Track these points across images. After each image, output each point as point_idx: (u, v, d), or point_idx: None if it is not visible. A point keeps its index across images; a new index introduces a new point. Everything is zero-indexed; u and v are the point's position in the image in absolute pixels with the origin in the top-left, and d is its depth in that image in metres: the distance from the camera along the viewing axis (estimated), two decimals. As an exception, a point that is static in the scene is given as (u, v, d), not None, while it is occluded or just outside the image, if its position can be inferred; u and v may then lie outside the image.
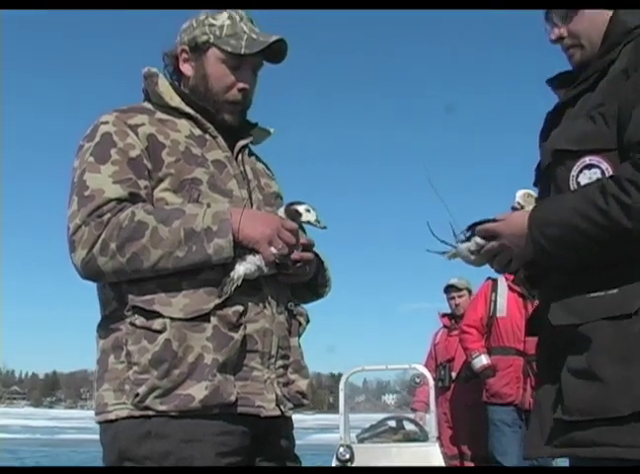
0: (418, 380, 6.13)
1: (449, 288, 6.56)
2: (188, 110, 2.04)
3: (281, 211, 1.98)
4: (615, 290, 1.74)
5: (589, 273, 1.79)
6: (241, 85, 2.04)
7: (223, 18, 2.06)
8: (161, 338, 1.81)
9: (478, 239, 1.97)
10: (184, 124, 2.03)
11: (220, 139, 2.04)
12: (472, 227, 2.01)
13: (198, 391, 1.79)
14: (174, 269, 1.83)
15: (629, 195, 1.69)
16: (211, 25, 2.05)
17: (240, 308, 1.87)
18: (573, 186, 1.85)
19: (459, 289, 6.49)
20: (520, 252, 1.89)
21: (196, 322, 1.82)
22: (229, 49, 2.02)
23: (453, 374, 6.24)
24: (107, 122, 1.96)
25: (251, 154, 2.17)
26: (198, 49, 2.06)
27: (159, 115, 2.03)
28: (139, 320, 1.84)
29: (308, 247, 1.97)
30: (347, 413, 5.90)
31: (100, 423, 1.89)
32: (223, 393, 1.80)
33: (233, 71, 2.04)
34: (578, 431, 1.75)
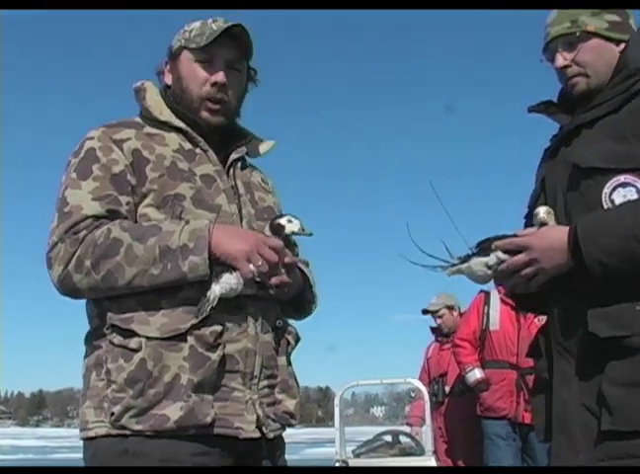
0: (413, 394, 6.15)
1: (426, 313, 6.58)
2: (178, 123, 2.03)
3: (267, 228, 1.95)
4: None
5: (628, 284, 1.83)
6: (213, 79, 2.03)
7: (196, 24, 2.08)
8: (136, 357, 1.80)
9: (499, 253, 1.97)
10: (173, 138, 2.02)
11: (211, 153, 2.03)
12: (484, 243, 2.01)
13: (173, 412, 1.78)
14: (149, 286, 1.82)
15: None
16: (184, 31, 2.09)
17: (218, 328, 1.85)
18: (606, 203, 1.91)
19: (435, 311, 6.50)
20: (553, 266, 1.91)
21: (172, 341, 1.81)
22: (194, 46, 2.04)
23: (447, 389, 6.22)
24: (92, 138, 1.98)
25: (245, 167, 2.15)
26: (173, 57, 2.10)
27: (148, 129, 2.03)
28: (117, 338, 1.84)
29: (291, 267, 1.93)
30: (342, 428, 5.92)
31: (82, 439, 1.90)
32: (198, 414, 1.79)
33: (204, 67, 2.04)
34: (627, 440, 1.78)
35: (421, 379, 6.52)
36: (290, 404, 1.99)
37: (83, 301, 1.96)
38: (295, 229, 1.92)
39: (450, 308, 6.45)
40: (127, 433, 1.79)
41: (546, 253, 1.90)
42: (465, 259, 2.03)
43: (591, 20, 2.06)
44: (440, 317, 6.46)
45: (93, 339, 1.92)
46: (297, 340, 2.10)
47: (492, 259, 1.98)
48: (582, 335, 1.87)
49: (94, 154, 1.94)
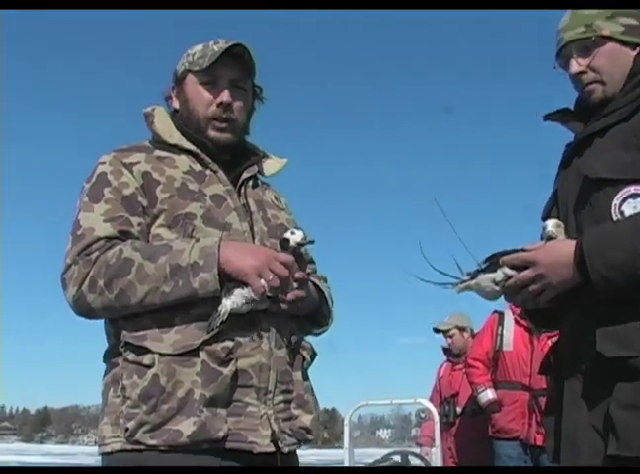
0: (423, 415, 6.11)
1: (437, 332, 6.55)
2: (187, 145, 2.08)
3: (277, 245, 1.97)
4: None
5: (636, 302, 1.78)
6: (218, 99, 2.07)
7: (198, 47, 2.13)
8: (150, 373, 1.83)
9: (507, 269, 1.92)
10: (183, 160, 2.06)
11: (221, 173, 2.06)
12: (492, 258, 1.97)
13: (186, 427, 1.79)
14: (161, 304, 1.85)
15: None
16: (187, 55, 2.13)
17: (230, 343, 1.86)
18: (616, 214, 1.85)
19: (446, 330, 6.47)
20: (560, 282, 1.85)
21: (185, 357, 1.83)
22: (197, 68, 2.08)
23: (458, 409, 6.19)
24: (104, 163, 2.02)
25: (257, 185, 2.17)
26: (178, 81, 2.14)
27: (158, 152, 2.07)
28: (131, 355, 1.87)
29: (302, 282, 1.94)
30: (352, 449, 5.86)
31: (100, 454, 1.92)
32: (211, 429, 1.80)
33: (209, 89, 2.08)
34: (632, 465, 1.73)
35: (432, 399, 6.49)
36: (307, 419, 2.00)
37: (91, 320, 1.98)
38: (299, 239, 1.93)
39: (462, 329, 6.43)
40: (142, 448, 1.81)
41: (553, 268, 1.85)
42: (474, 275, 1.99)
43: (606, 23, 1.99)
44: (451, 337, 6.44)
45: (110, 357, 1.96)
46: (313, 355, 2.11)
47: (499, 275, 1.94)
48: (590, 354, 1.82)
49: (105, 178, 1.99)
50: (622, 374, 1.75)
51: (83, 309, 1.91)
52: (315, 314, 2.10)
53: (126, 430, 1.82)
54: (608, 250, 1.77)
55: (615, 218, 1.84)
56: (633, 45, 2.00)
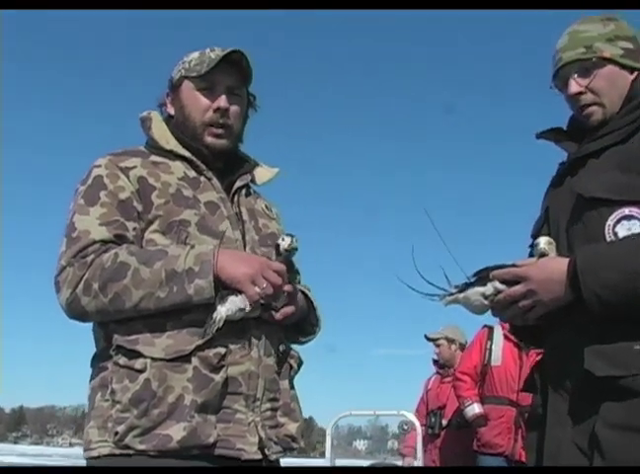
0: (406, 427, 6.10)
1: (427, 340, 6.55)
2: (183, 152, 2.08)
3: (269, 254, 1.98)
4: None
5: (628, 321, 1.77)
6: (215, 104, 2.07)
7: (194, 54, 2.14)
8: (141, 377, 1.82)
9: (497, 283, 1.91)
10: (178, 167, 2.06)
11: (215, 181, 2.07)
12: (482, 272, 1.96)
13: (176, 432, 1.79)
14: (155, 309, 1.85)
15: None
16: (183, 62, 2.14)
17: (222, 350, 1.87)
18: (609, 235, 1.85)
19: (435, 339, 6.48)
20: (551, 299, 1.85)
21: (177, 363, 1.84)
22: (194, 74, 2.09)
23: (444, 422, 6.19)
24: (100, 166, 2.02)
25: (249, 194, 2.19)
26: (174, 88, 2.15)
27: (153, 157, 2.07)
28: (122, 359, 1.86)
29: (291, 292, 1.96)
30: (334, 458, 5.85)
31: (86, 459, 1.90)
32: (201, 435, 1.80)
33: (206, 95, 2.09)
34: None
35: (418, 411, 6.51)
36: (292, 427, 2.01)
37: (79, 322, 1.97)
38: (286, 246, 1.93)
39: (450, 341, 6.44)
40: (131, 452, 1.80)
41: (544, 285, 1.84)
42: (463, 288, 1.98)
43: (606, 46, 2.02)
44: (438, 347, 6.44)
45: (99, 361, 1.95)
46: (300, 364, 2.13)
47: (489, 289, 1.93)
48: (577, 372, 1.82)
49: (101, 181, 1.99)
50: (610, 393, 1.75)
51: (77, 312, 1.90)
52: (303, 323, 2.12)
53: (116, 434, 1.81)
54: (602, 269, 1.77)
55: (609, 239, 1.85)
56: (630, 69, 2.03)
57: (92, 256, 1.88)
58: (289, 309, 1.95)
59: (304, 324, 2.13)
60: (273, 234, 2.13)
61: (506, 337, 5.51)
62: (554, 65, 2.09)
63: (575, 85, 2.02)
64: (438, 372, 6.63)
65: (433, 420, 6.26)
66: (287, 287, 1.92)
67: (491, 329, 5.65)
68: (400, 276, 2.02)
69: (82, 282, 1.87)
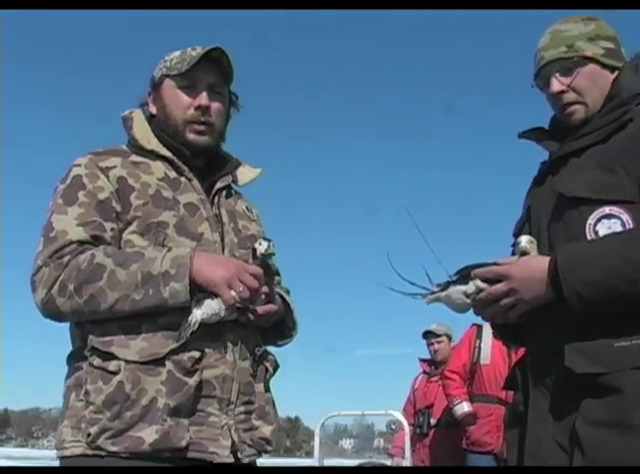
0: (394, 427, 6.09)
1: (428, 334, 6.52)
2: (164, 152, 2.07)
3: (248, 256, 1.98)
4: None
5: (607, 319, 1.78)
6: (196, 102, 2.07)
7: (175, 53, 2.13)
8: (115, 380, 1.82)
9: (479, 282, 1.92)
10: (158, 167, 2.06)
11: (195, 182, 2.07)
12: (464, 271, 1.97)
13: (148, 434, 1.79)
14: (131, 311, 1.85)
15: None
16: (164, 61, 2.14)
17: (196, 354, 1.87)
18: (590, 234, 1.87)
19: (438, 335, 6.46)
20: (532, 297, 1.86)
21: (151, 365, 1.83)
22: (175, 73, 2.08)
23: (432, 421, 6.20)
24: (79, 165, 2.01)
25: (230, 195, 2.18)
26: (156, 86, 2.14)
27: (134, 157, 2.06)
28: (97, 360, 1.86)
29: (268, 295, 1.96)
30: (322, 458, 5.83)
31: (59, 458, 1.90)
32: (173, 438, 1.80)
33: (187, 93, 2.08)
34: None
35: (405, 410, 6.51)
36: (267, 430, 2.01)
37: (55, 322, 1.96)
38: (262, 251, 1.94)
39: (449, 338, 6.45)
40: (103, 454, 1.80)
41: (526, 283, 1.86)
42: (444, 287, 1.98)
43: (587, 45, 2.04)
44: (440, 343, 6.41)
45: (74, 360, 1.95)
46: (276, 367, 2.12)
47: (471, 287, 1.94)
48: (558, 369, 1.84)
49: (80, 181, 1.98)
50: (590, 391, 1.77)
51: (52, 312, 1.90)
52: (280, 326, 2.12)
53: (88, 435, 1.81)
54: (583, 268, 1.79)
55: (589, 237, 1.87)
56: (611, 68, 2.05)
57: (68, 256, 1.88)
58: (268, 307, 1.95)
59: (282, 327, 2.12)
60: (252, 236, 2.13)
61: (495, 335, 5.48)
62: (536, 64, 2.10)
63: (557, 83, 2.04)
64: (424, 372, 6.62)
65: (421, 419, 6.26)
66: (264, 289, 1.93)
67: (480, 327, 5.66)
68: (381, 275, 2.05)
69: (57, 283, 1.86)
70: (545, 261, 1.85)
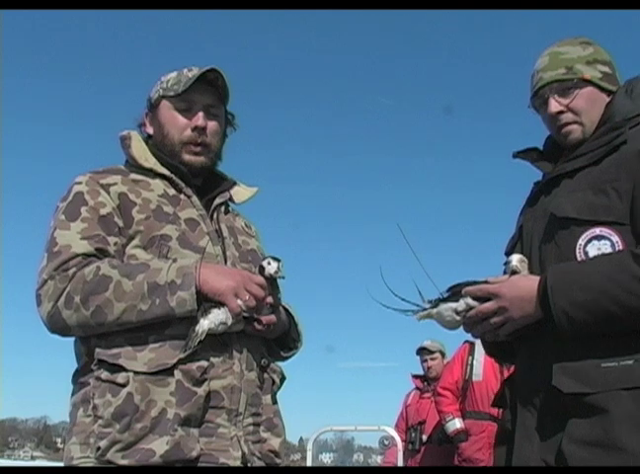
0: (387, 442, 6.07)
1: (422, 351, 6.52)
2: (162, 170, 2.10)
3: (256, 269, 1.99)
4: (630, 361, 1.77)
5: (595, 340, 1.81)
6: (193, 123, 2.10)
7: (172, 74, 2.17)
8: (124, 392, 1.81)
9: (469, 300, 1.95)
10: (158, 185, 2.08)
11: (195, 199, 2.10)
12: (455, 288, 1.99)
13: (159, 446, 1.78)
14: (138, 322, 1.85)
15: None
16: (161, 82, 2.17)
17: (205, 363, 1.87)
18: (580, 255, 1.89)
19: (432, 352, 6.47)
20: (521, 316, 1.89)
21: (159, 376, 1.83)
22: (172, 94, 2.12)
23: (424, 437, 6.20)
24: (80, 183, 2.04)
25: (228, 212, 2.21)
26: (153, 107, 2.18)
27: (133, 175, 2.09)
28: (104, 374, 1.85)
29: (273, 306, 1.97)
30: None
31: None
32: (184, 448, 1.80)
33: (184, 114, 2.12)
34: None
35: (398, 426, 6.50)
36: (275, 443, 2.00)
37: (60, 337, 1.95)
38: (272, 272, 1.95)
39: (443, 354, 6.46)
40: (113, 467, 1.79)
41: (515, 302, 1.88)
42: (436, 303, 2.01)
43: (586, 68, 2.07)
44: (434, 359, 6.41)
45: (80, 376, 1.94)
46: (283, 379, 2.13)
47: (461, 305, 1.96)
48: (546, 388, 1.84)
49: (82, 197, 2.00)
50: (577, 410, 1.79)
51: (58, 326, 1.89)
52: (285, 338, 2.13)
53: (98, 449, 1.80)
54: (571, 288, 1.81)
55: (579, 258, 1.89)
56: (607, 92, 2.09)
57: (73, 269, 1.88)
58: (272, 318, 1.96)
59: (286, 339, 2.13)
60: (253, 251, 2.17)
61: (486, 352, 5.49)
62: (533, 85, 2.13)
63: (555, 104, 2.07)
64: (417, 388, 6.62)
65: (413, 435, 6.26)
66: (270, 300, 1.94)
67: (472, 344, 5.69)
68: (373, 290, 2.04)
69: (64, 295, 1.86)
70: (535, 280, 1.88)
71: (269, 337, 2.04)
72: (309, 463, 5.79)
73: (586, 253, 1.87)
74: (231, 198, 2.22)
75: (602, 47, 2.15)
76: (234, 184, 2.25)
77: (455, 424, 5.57)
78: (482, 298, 1.93)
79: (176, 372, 1.83)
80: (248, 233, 2.23)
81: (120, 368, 1.83)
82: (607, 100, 2.07)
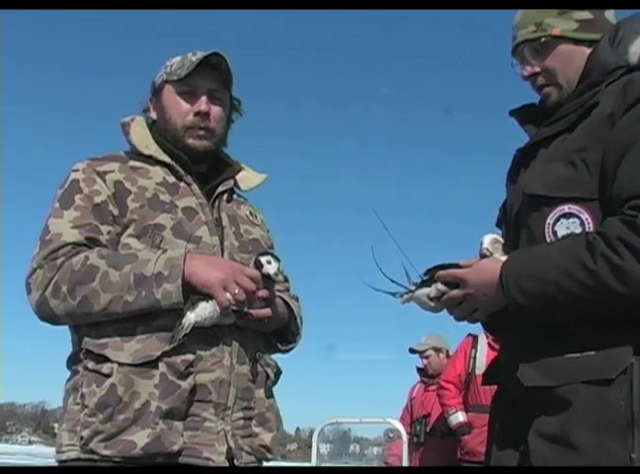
0: (392, 435, 6.09)
1: (413, 352, 6.54)
2: (163, 157, 2.09)
3: (252, 262, 1.97)
4: (592, 353, 1.69)
5: (562, 330, 1.74)
6: (196, 108, 2.09)
7: (176, 59, 2.15)
8: (107, 382, 1.83)
9: (440, 285, 1.91)
10: (157, 172, 2.07)
11: (195, 187, 2.08)
12: (431, 271, 1.95)
13: (140, 438, 1.79)
14: (124, 313, 1.85)
15: (621, 256, 1.62)
16: (165, 66, 2.16)
17: (190, 357, 1.86)
18: (549, 235, 1.79)
19: (422, 352, 6.47)
20: (488, 302, 1.83)
21: (144, 368, 1.83)
22: (175, 78, 2.10)
23: (429, 430, 6.18)
24: (77, 170, 2.04)
25: (231, 200, 2.18)
26: (157, 92, 2.17)
27: (132, 162, 2.08)
28: (91, 363, 1.87)
29: (267, 300, 1.94)
30: (319, 464, 5.83)
31: (57, 462, 1.91)
32: (165, 442, 1.80)
33: (186, 98, 2.10)
34: None
35: (402, 419, 6.51)
36: (267, 437, 2.00)
37: (51, 325, 1.97)
38: (271, 272, 1.92)
39: (438, 350, 6.46)
40: (96, 457, 1.81)
41: (480, 288, 1.83)
42: (418, 286, 1.97)
43: (557, 21, 1.90)
44: (427, 358, 6.45)
45: (72, 363, 1.97)
46: (278, 373, 2.12)
47: (433, 290, 1.93)
48: (514, 380, 1.79)
49: (77, 185, 2.00)
50: (541, 403, 1.73)
51: (46, 314, 1.92)
52: (283, 331, 2.12)
53: (81, 438, 1.82)
54: (523, 278, 1.74)
55: (549, 239, 1.79)
56: (588, 42, 1.90)
57: (62, 258, 1.89)
58: (263, 312, 1.93)
59: (284, 332, 2.12)
60: (255, 240, 2.15)
61: (490, 345, 5.54)
62: (512, 41, 2.00)
63: (528, 67, 1.94)
64: (422, 381, 6.63)
65: (418, 428, 6.27)
66: (262, 293, 1.92)
67: (475, 337, 5.71)
68: (365, 275, 2.02)
69: (51, 285, 1.88)
70: (498, 267, 1.79)
71: (265, 330, 2.03)
72: (314, 456, 5.81)
73: (554, 232, 1.78)
74: (238, 185, 2.21)
75: None
76: (240, 170, 2.23)
77: (458, 417, 5.59)
78: (452, 283, 1.88)
79: (160, 365, 1.83)
80: (252, 222, 2.20)
81: (106, 359, 1.84)
82: (588, 51, 1.89)
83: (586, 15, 1.90)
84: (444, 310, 1.96)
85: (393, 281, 2.00)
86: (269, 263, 1.92)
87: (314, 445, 5.78)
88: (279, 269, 1.94)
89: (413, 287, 1.98)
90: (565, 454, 1.66)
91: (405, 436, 5.91)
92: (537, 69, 1.92)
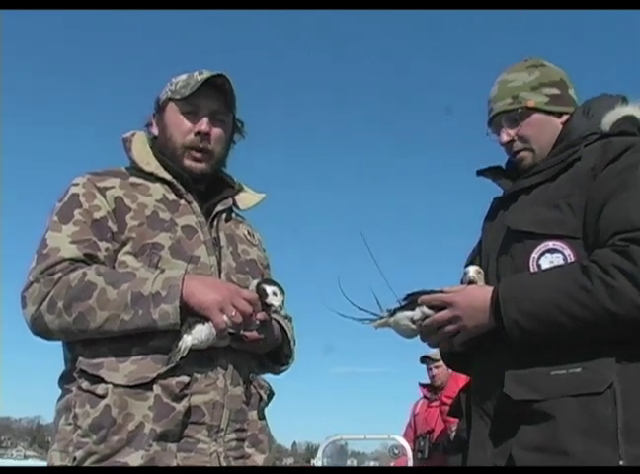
0: (397, 451, 6.07)
1: (425, 359, 6.53)
2: (163, 174, 2.09)
3: (253, 285, 1.97)
4: (578, 369, 1.82)
5: (545, 348, 1.86)
6: (196, 128, 2.09)
7: (182, 76, 2.16)
8: (102, 403, 1.82)
9: (425, 308, 2.01)
10: (158, 189, 2.08)
11: (195, 205, 2.09)
12: (413, 296, 2.05)
13: (134, 460, 1.78)
14: (119, 331, 1.85)
15: (616, 278, 1.77)
16: (170, 84, 2.17)
17: (185, 379, 1.87)
18: (533, 267, 1.96)
19: (435, 360, 6.47)
20: (475, 325, 1.96)
21: (138, 390, 1.83)
22: (179, 97, 2.11)
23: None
24: (77, 184, 2.04)
25: (230, 219, 2.20)
26: (160, 108, 2.18)
27: (133, 179, 2.09)
28: (85, 383, 1.86)
29: (264, 323, 1.96)
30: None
31: None
32: (159, 464, 1.80)
33: (189, 118, 2.11)
34: None
35: (406, 435, 6.48)
36: (259, 459, 2.00)
37: (44, 340, 1.96)
38: (275, 304, 1.93)
39: None
40: (113, 467, 1.80)
41: (469, 311, 1.95)
42: (394, 312, 2.06)
43: (531, 95, 2.16)
44: (437, 368, 6.41)
45: (65, 382, 1.96)
46: (270, 395, 2.13)
47: (417, 314, 2.02)
48: (498, 396, 1.91)
49: (77, 199, 2.00)
50: (526, 417, 1.83)
51: (40, 329, 1.91)
52: (277, 353, 2.13)
53: (74, 459, 1.81)
54: (522, 299, 1.87)
55: (533, 270, 1.95)
56: (557, 113, 2.17)
57: (59, 273, 1.88)
58: (256, 334, 1.94)
59: (278, 354, 2.13)
60: (252, 260, 2.16)
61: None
62: (488, 113, 2.24)
63: (505, 135, 2.18)
64: (425, 397, 6.63)
65: (422, 444, 6.23)
66: (260, 316, 1.93)
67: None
68: (331, 299, 2.10)
69: (47, 300, 1.87)
70: (489, 291, 1.95)
71: (258, 352, 2.04)
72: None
73: (539, 265, 1.94)
74: (236, 204, 2.22)
75: (553, 67, 2.24)
76: (240, 189, 2.25)
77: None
78: (437, 307, 2.00)
79: (155, 387, 1.83)
80: (250, 241, 2.21)
81: (100, 380, 1.84)
82: (558, 121, 2.16)
83: (554, 91, 2.17)
84: (417, 336, 2.09)
85: (363, 310, 2.07)
86: (274, 294, 1.93)
87: (319, 464, 5.74)
88: (283, 302, 1.94)
89: (386, 313, 2.07)
90: (556, 461, 1.76)
91: (410, 453, 5.91)
92: (514, 136, 2.17)
